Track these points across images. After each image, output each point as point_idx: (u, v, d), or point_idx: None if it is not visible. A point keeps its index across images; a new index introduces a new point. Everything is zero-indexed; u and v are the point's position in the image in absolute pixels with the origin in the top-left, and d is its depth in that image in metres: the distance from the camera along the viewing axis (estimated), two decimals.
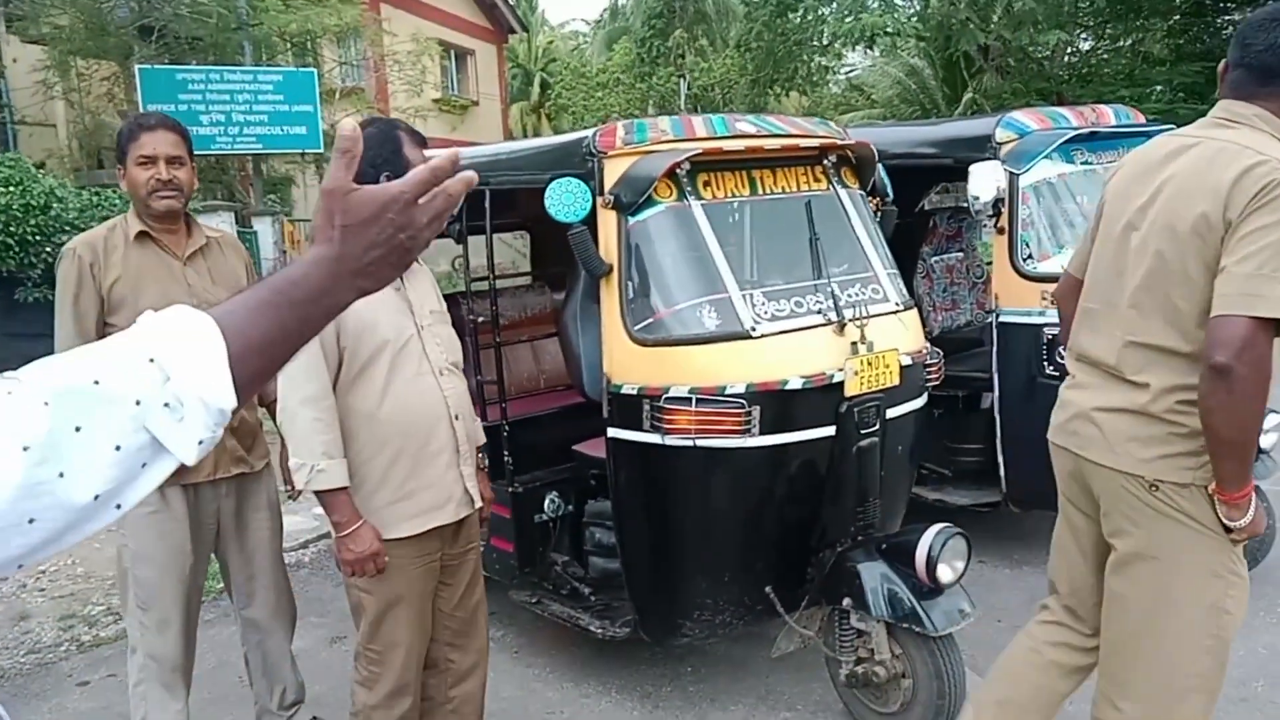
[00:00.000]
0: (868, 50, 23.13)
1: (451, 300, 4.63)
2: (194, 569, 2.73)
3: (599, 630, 3.28)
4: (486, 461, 2.71)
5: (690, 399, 2.81)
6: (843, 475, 2.97)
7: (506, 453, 3.51)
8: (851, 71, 25.92)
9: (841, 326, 2.94)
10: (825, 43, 20.37)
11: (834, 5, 16.08)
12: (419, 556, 2.42)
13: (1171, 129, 4.44)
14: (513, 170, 3.52)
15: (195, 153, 2.73)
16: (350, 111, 14.95)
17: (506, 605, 3.84)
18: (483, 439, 2.67)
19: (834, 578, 2.99)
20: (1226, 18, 19.84)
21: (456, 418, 2.44)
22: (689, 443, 2.82)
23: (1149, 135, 4.37)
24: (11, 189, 7.53)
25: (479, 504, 2.53)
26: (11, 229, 7.46)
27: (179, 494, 2.66)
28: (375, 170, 2.35)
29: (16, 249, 7.49)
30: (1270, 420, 3.87)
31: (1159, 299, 2.00)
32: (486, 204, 3.44)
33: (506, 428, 3.52)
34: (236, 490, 2.79)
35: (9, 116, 13.07)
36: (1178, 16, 19.47)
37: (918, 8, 19.16)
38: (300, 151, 12.55)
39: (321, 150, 12.25)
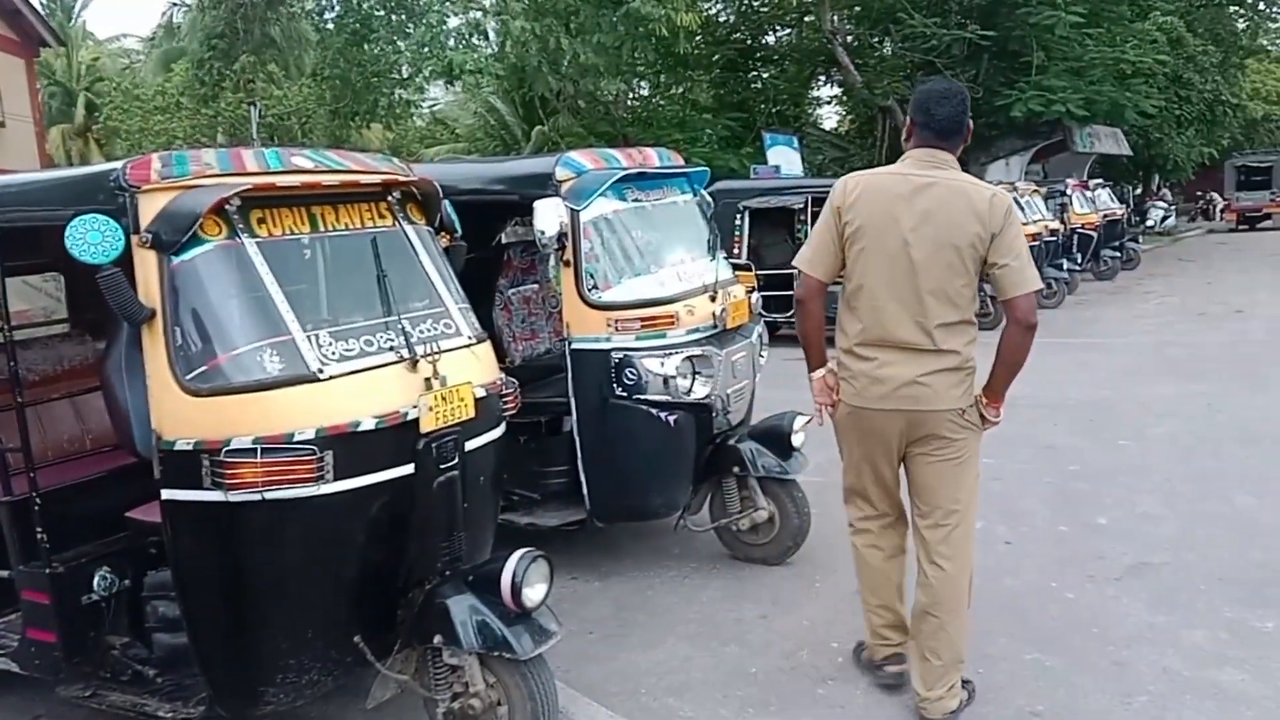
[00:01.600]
0: (449, 86, 23.55)
1: None
2: None
3: (169, 715, 2.95)
4: None
5: (255, 449, 2.62)
6: (425, 512, 2.94)
7: (39, 529, 3.04)
8: (435, 105, 26.20)
9: (414, 363, 2.92)
10: (405, 76, 20.37)
11: (409, 39, 16.15)
12: None
13: (705, 170, 5.03)
14: (26, 205, 3.07)
15: None
16: None
17: (55, 705, 3.32)
18: None
19: (424, 616, 2.95)
20: (755, 74, 22.96)
21: None
22: (256, 497, 2.63)
23: (688, 176, 4.93)
24: None
25: None
26: None
27: None
28: None
29: None
30: (798, 421, 4.49)
31: (948, 291, 2.99)
32: None
33: (38, 500, 3.05)
34: None
35: None
36: (718, 71, 22.19)
37: (495, 49, 19.83)
38: None
39: None
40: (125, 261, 2.71)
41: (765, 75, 23.39)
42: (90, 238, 2.63)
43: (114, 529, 3.25)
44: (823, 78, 23.82)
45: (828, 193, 3.24)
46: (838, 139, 23.43)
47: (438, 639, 2.91)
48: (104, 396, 3.30)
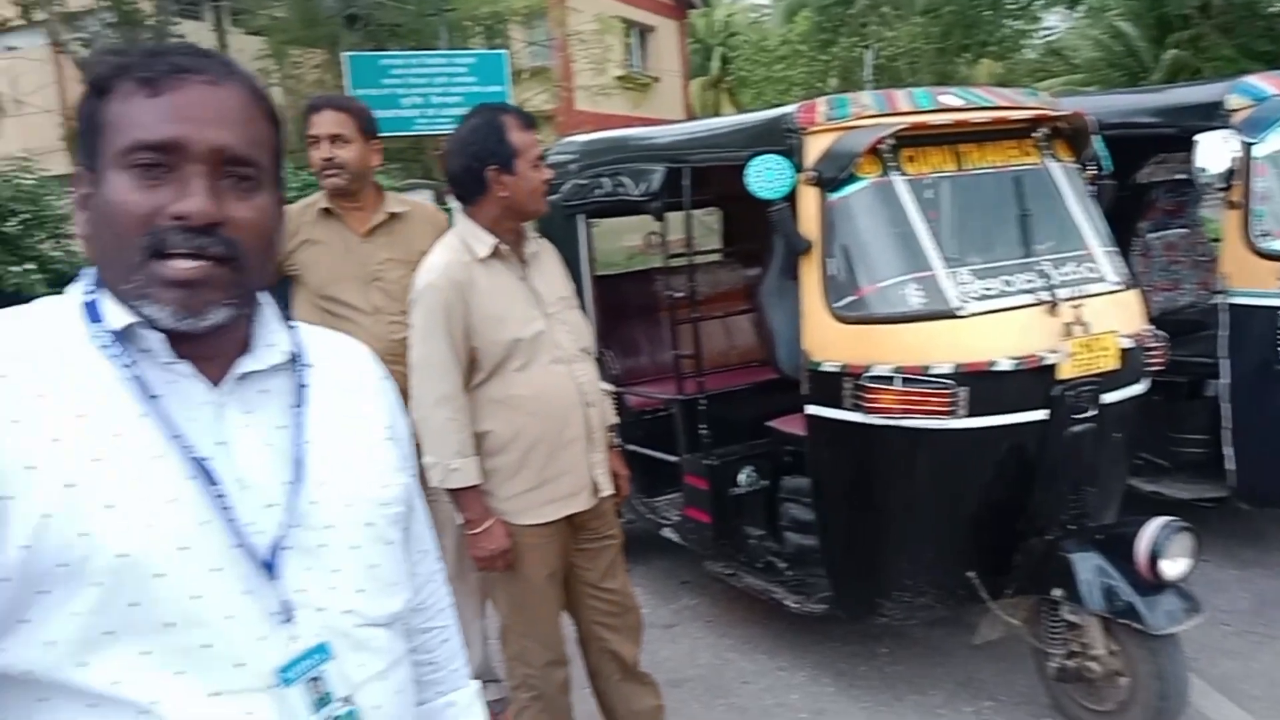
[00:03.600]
0: (1068, 11, 21.72)
1: (646, 276, 4.77)
2: None
3: (795, 605, 3.29)
4: (619, 439, 2.65)
5: (894, 378, 2.76)
6: (1054, 461, 2.84)
7: (704, 425, 3.56)
8: (1049, 35, 24.39)
9: (1054, 306, 2.81)
10: (1023, 4, 19.25)
11: None
12: (549, 539, 2.42)
13: None
14: (710, 148, 3.54)
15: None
16: (539, 90, 15.46)
17: (701, 575, 3.92)
18: (614, 419, 2.61)
19: (1044, 567, 2.88)
20: None
21: (589, 405, 2.43)
22: (892, 422, 2.78)
23: None
24: None
25: (607, 492, 2.50)
26: None
27: None
28: (480, 164, 2.28)
29: None
30: None
31: None
32: (686, 181, 3.48)
33: (703, 402, 3.57)
34: None
35: None
36: None
37: None
38: None
39: None
40: (789, 197, 3.00)
41: None
42: (766, 176, 2.94)
43: (753, 435, 3.68)
44: None
45: None
46: None
47: (1057, 592, 2.82)
48: (756, 318, 3.74)
